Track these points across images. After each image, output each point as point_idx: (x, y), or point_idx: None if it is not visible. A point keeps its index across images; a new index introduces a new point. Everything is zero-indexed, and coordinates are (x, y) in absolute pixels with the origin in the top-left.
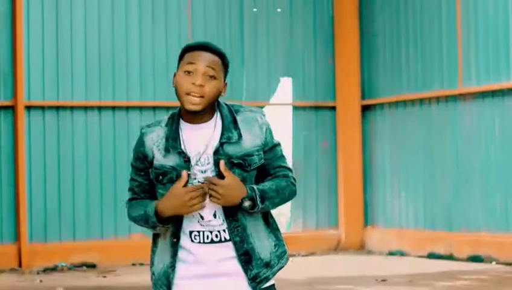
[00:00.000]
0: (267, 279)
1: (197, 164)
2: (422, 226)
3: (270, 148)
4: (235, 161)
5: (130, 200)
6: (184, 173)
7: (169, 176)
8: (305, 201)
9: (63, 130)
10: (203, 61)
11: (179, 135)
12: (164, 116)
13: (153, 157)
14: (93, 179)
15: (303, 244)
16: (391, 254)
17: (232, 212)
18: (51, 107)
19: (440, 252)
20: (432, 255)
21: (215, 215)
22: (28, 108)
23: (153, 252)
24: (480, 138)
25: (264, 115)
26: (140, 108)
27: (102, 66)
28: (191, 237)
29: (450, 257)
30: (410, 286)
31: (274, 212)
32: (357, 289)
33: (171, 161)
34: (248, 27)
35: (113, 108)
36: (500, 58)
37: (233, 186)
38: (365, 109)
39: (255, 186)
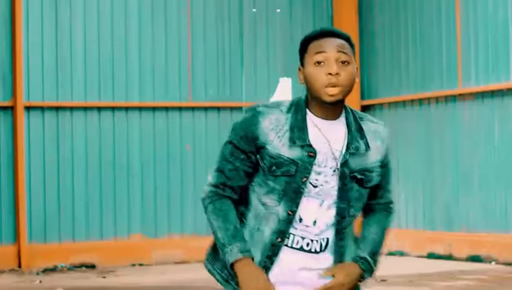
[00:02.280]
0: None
1: (315, 164)
2: (422, 226)
3: (385, 164)
4: (358, 176)
5: (216, 188)
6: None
7: (286, 169)
8: None
9: (63, 130)
10: (333, 47)
11: (306, 126)
12: (283, 102)
13: (267, 142)
14: (92, 180)
15: None
16: (391, 254)
17: (342, 231)
18: (50, 108)
19: (440, 252)
20: (431, 255)
21: (314, 223)
22: (28, 108)
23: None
24: (480, 138)
25: (385, 128)
26: (140, 108)
27: (101, 67)
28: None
29: (450, 257)
30: (409, 286)
31: None
32: None
33: (292, 153)
34: (247, 27)
35: (113, 108)
36: (499, 59)
37: (349, 281)
38: (365, 109)
39: (367, 256)
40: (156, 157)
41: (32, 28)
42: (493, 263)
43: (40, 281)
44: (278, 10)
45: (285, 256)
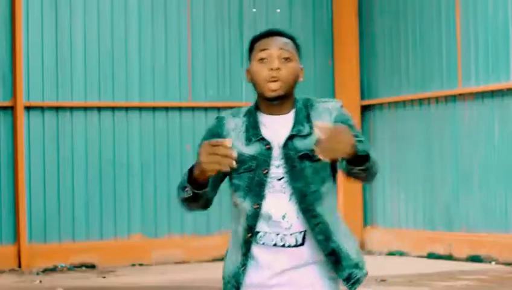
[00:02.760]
0: (359, 281)
1: (273, 158)
2: (422, 226)
3: (344, 122)
4: (303, 153)
5: None
6: (228, 140)
7: (248, 165)
8: None
9: (63, 130)
10: (276, 44)
11: (257, 124)
12: (242, 107)
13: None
14: (92, 180)
15: None
16: (391, 254)
17: (309, 208)
18: (50, 108)
19: (440, 252)
20: (431, 255)
21: (284, 217)
22: (28, 108)
23: (225, 256)
24: (480, 138)
25: (336, 102)
26: (140, 108)
27: (101, 67)
28: (256, 237)
29: (450, 257)
30: (409, 286)
31: None
32: None
33: (252, 149)
34: (247, 28)
35: (113, 108)
36: (499, 59)
37: (341, 132)
38: (365, 109)
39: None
40: (156, 157)
41: (32, 28)
42: (493, 263)
43: (40, 281)
44: (278, 10)
45: (261, 255)
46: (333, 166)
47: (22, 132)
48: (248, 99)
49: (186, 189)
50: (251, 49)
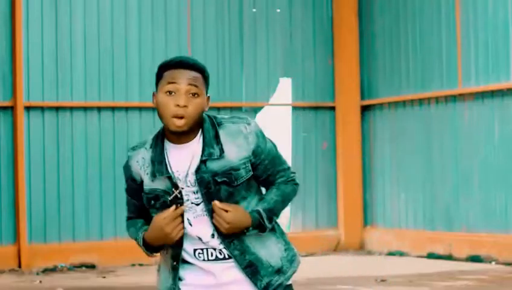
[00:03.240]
0: (282, 285)
1: (188, 186)
2: (422, 226)
3: (260, 154)
4: (219, 180)
5: (128, 218)
6: (174, 209)
7: (162, 200)
8: (305, 201)
9: (63, 130)
10: (184, 79)
11: (164, 157)
12: (149, 137)
13: (142, 181)
14: (92, 180)
15: (303, 244)
16: (391, 254)
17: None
18: (50, 108)
19: (439, 252)
20: (431, 255)
21: (213, 236)
22: (28, 108)
23: (159, 267)
24: (480, 138)
25: (248, 124)
26: (140, 108)
27: (101, 67)
28: (195, 255)
29: (450, 257)
30: (409, 286)
31: None
32: (356, 289)
33: (161, 184)
34: (247, 27)
35: (113, 108)
36: (499, 59)
37: (238, 217)
38: (365, 109)
39: (260, 209)
40: None
41: (32, 28)
42: (493, 263)
43: (40, 281)
44: (278, 10)
45: (207, 266)
46: (262, 183)
47: (22, 131)
48: (248, 99)
49: (150, 256)
50: (159, 76)
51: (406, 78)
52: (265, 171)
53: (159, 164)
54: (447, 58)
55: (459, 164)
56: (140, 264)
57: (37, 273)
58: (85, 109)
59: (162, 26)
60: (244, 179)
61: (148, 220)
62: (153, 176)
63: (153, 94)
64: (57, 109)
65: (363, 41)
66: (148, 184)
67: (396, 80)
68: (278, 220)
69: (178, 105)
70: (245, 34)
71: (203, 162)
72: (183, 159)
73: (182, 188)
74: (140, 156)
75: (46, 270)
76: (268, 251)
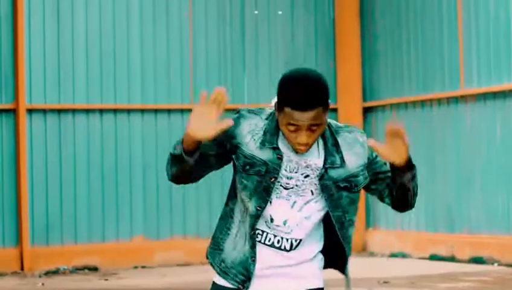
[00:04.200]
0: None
1: (285, 170)
2: (424, 228)
3: (375, 158)
4: (342, 185)
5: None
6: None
7: (258, 169)
8: None
9: (65, 133)
10: (306, 120)
11: (278, 132)
12: (266, 108)
13: (242, 143)
14: (94, 182)
15: None
16: (393, 255)
17: (345, 235)
18: (52, 110)
19: (442, 254)
20: (433, 257)
21: (285, 223)
22: (30, 111)
23: (223, 238)
24: (482, 140)
25: (362, 133)
26: (142, 111)
27: (103, 69)
28: (255, 234)
29: (452, 259)
30: (412, 287)
31: None
32: None
33: (264, 154)
34: (249, 29)
35: (115, 111)
36: (501, 60)
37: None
38: (367, 110)
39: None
40: (158, 159)
41: (34, 31)
42: (495, 264)
43: (43, 284)
44: (280, 12)
45: (260, 252)
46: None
47: (24, 134)
48: (250, 101)
49: (178, 146)
50: (280, 104)
51: (408, 80)
52: (377, 173)
53: (271, 135)
54: (449, 60)
55: (461, 166)
56: (143, 267)
57: (40, 276)
58: (87, 111)
59: (164, 28)
60: (362, 186)
61: (230, 194)
62: (262, 144)
63: (275, 104)
64: (59, 111)
65: (365, 43)
66: (251, 149)
67: (398, 82)
68: None
69: (299, 143)
70: (247, 35)
71: (325, 169)
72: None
73: (281, 162)
74: (254, 122)
75: (48, 273)
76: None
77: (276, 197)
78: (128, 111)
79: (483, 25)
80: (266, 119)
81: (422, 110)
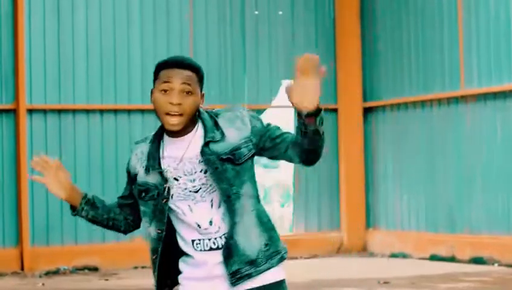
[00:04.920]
0: (250, 276)
1: (185, 174)
2: (425, 228)
3: (263, 131)
4: (224, 157)
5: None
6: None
7: (151, 194)
8: (307, 204)
9: (65, 133)
10: (178, 78)
11: (159, 152)
12: (152, 133)
13: (136, 174)
14: (95, 182)
15: (305, 246)
16: (393, 256)
17: (232, 207)
18: (52, 111)
19: (442, 254)
20: (434, 257)
21: (211, 223)
22: (30, 111)
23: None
24: (482, 140)
25: (244, 109)
26: (142, 111)
27: (104, 69)
28: (193, 245)
29: (452, 259)
30: (412, 288)
31: (276, 215)
32: None
33: (153, 178)
34: (249, 30)
35: (115, 111)
36: (501, 60)
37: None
38: (367, 111)
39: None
40: None
41: (35, 31)
42: (496, 265)
43: (43, 284)
44: (280, 12)
45: (202, 259)
46: (273, 154)
47: (25, 134)
48: (250, 101)
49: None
50: (156, 75)
51: (408, 80)
52: (273, 139)
53: (153, 159)
54: (449, 60)
55: (462, 166)
56: (143, 267)
57: (40, 276)
58: (87, 111)
59: (164, 29)
60: (247, 157)
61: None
62: (147, 170)
63: (151, 91)
64: (59, 111)
65: (365, 44)
66: (142, 177)
67: (398, 82)
68: (279, 222)
69: (171, 103)
70: (247, 36)
71: (206, 145)
72: (177, 149)
73: (171, 185)
74: (140, 150)
75: (48, 273)
76: (247, 241)
77: (194, 203)
78: (129, 111)
79: (484, 25)
80: (150, 142)
81: (422, 111)
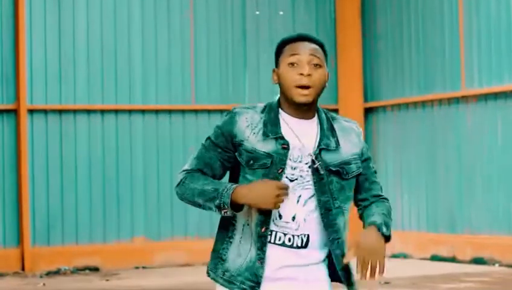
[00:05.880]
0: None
1: (290, 158)
2: (425, 229)
3: (366, 159)
4: (333, 169)
5: (191, 170)
6: (288, 188)
7: (262, 162)
8: None
9: (66, 133)
10: (306, 50)
11: (279, 121)
12: (258, 104)
13: (243, 139)
14: (95, 183)
15: None
16: (394, 256)
17: (332, 223)
18: (53, 111)
19: (443, 255)
20: (434, 258)
21: (293, 218)
22: (31, 111)
23: (225, 247)
24: (483, 140)
25: (359, 127)
26: (143, 111)
27: (104, 70)
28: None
29: (453, 259)
30: (413, 288)
31: None
32: None
33: (267, 146)
34: (250, 30)
35: (116, 111)
36: (502, 60)
37: (376, 244)
38: (368, 111)
39: (381, 222)
40: (159, 160)
41: (36, 31)
42: (497, 265)
43: (44, 284)
44: (281, 12)
45: (270, 252)
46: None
47: (26, 134)
48: (251, 101)
49: (225, 211)
50: (279, 51)
51: (409, 80)
52: (365, 175)
53: (272, 125)
54: (450, 60)
55: (462, 166)
56: (144, 267)
57: (41, 276)
58: (88, 112)
59: (165, 29)
60: (355, 174)
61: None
62: (264, 135)
63: (273, 70)
64: (60, 112)
65: (366, 44)
66: (252, 143)
67: (399, 82)
68: None
69: (302, 74)
70: (248, 36)
71: (319, 151)
72: (296, 131)
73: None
74: (250, 115)
75: (49, 273)
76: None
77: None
78: (130, 111)
79: (485, 25)
80: (262, 112)
81: (423, 111)
